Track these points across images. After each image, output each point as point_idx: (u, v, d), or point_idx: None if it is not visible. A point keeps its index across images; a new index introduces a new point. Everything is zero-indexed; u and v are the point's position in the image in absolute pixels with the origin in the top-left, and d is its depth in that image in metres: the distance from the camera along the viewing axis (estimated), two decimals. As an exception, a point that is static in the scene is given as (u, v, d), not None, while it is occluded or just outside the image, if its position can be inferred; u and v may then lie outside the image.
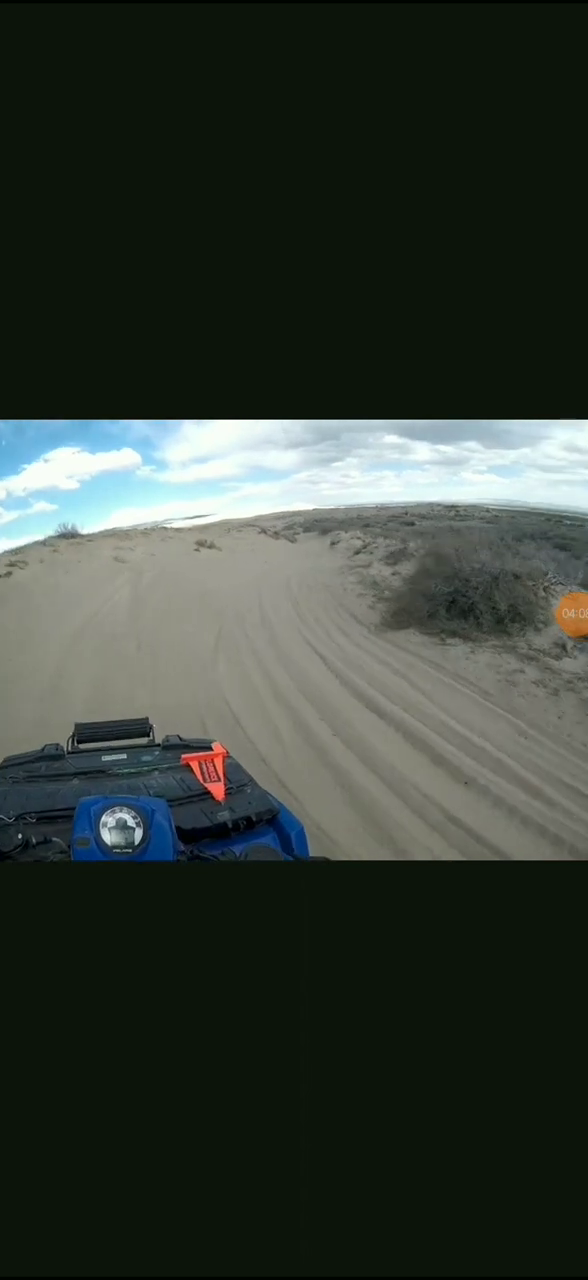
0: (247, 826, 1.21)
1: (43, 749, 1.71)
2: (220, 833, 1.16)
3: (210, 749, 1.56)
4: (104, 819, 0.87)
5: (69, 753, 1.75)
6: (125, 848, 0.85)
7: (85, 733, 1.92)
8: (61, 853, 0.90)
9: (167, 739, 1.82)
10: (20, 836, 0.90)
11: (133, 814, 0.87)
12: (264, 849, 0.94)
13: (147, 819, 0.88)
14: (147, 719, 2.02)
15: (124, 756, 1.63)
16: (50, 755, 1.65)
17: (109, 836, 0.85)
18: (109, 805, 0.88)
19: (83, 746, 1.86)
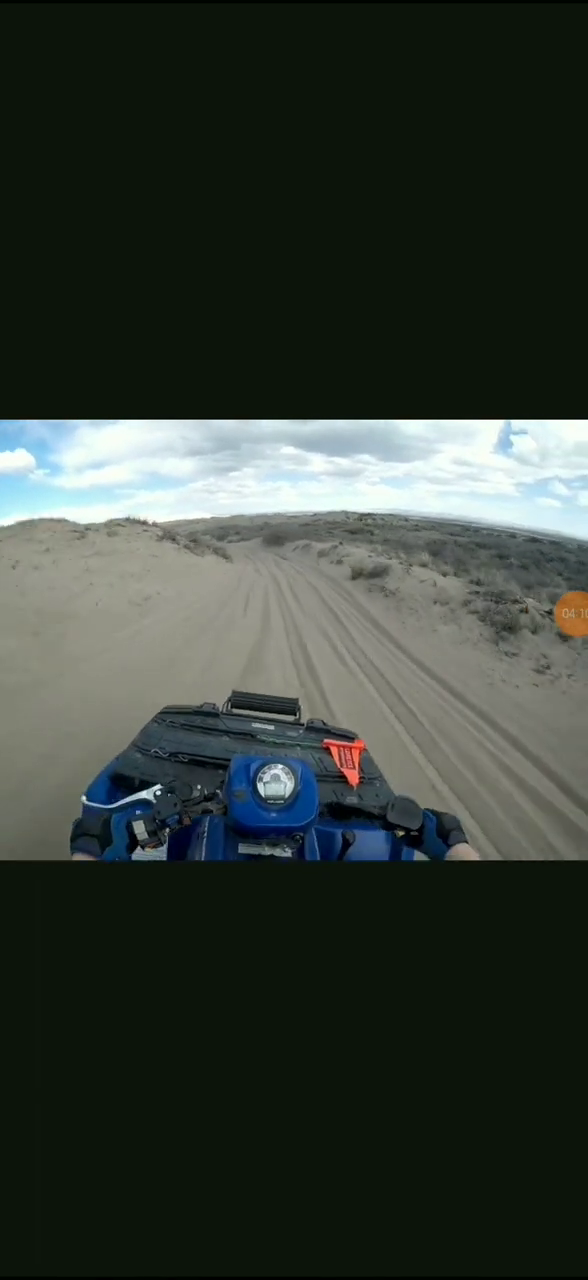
0: (366, 818, 1.24)
1: (201, 705, 1.84)
2: (342, 814, 1.24)
3: (352, 740, 1.63)
4: (261, 774, 0.94)
5: (223, 713, 1.86)
6: (277, 799, 0.93)
7: (240, 699, 2.07)
8: (220, 803, 0.97)
9: (311, 721, 1.91)
10: (200, 788, 0.96)
11: (285, 770, 0.95)
12: (409, 801, 1.01)
13: (297, 775, 0.95)
14: (296, 700, 2.15)
15: (271, 728, 1.73)
16: (207, 712, 1.78)
17: (264, 789, 0.93)
18: (265, 763, 0.96)
19: (236, 711, 1.99)
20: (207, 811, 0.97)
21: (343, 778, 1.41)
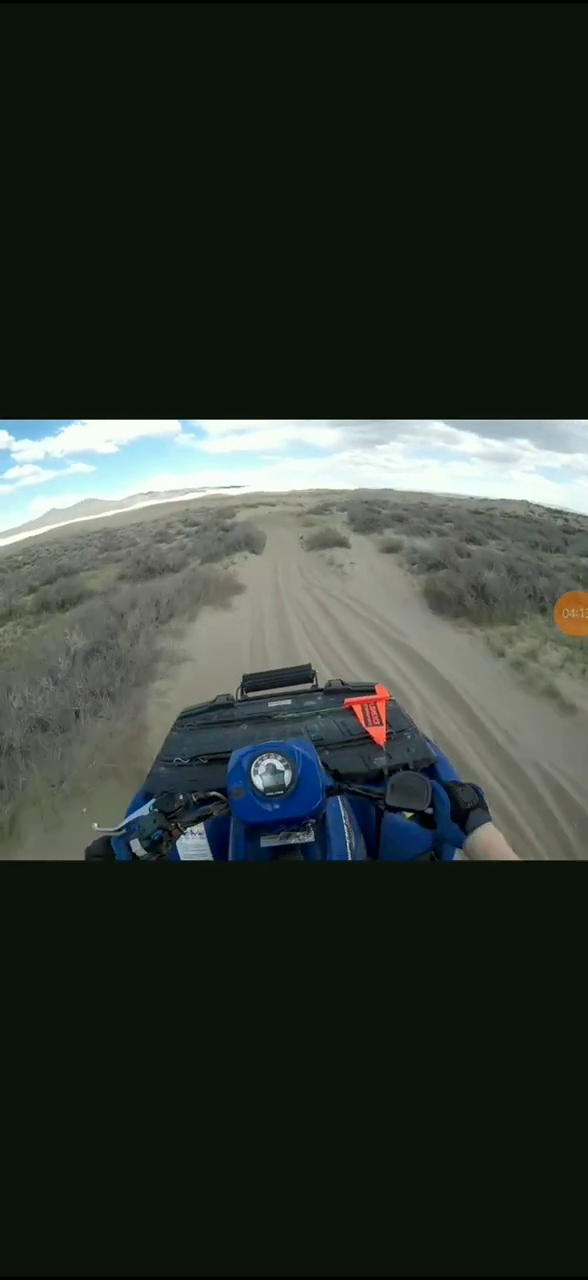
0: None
1: (215, 700, 1.81)
2: (377, 779, 1.17)
3: (373, 693, 1.54)
4: (254, 766, 0.93)
5: (238, 702, 1.82)
6: (276, 790, 0.91)
7: (251, 682, 2.03)
8: (222, 801, 0.97)
9: (329, 684, 1.87)
10: (182, 796, 0.95)
11: (281, 758, 0.94)
12: (413, 777, 0.95)
13: (294, 760, 0.93)
14: (309, 665, 2.09)
15: (289, 703, 1.68)
16: (221, 705, 1.74)
17: (261, 782, 0.92)
18: (257, 753, 0.95)
19: (251, 695, 1.94)
20: (205, 816, 0.97)
21: (369, 738, 1.33)
